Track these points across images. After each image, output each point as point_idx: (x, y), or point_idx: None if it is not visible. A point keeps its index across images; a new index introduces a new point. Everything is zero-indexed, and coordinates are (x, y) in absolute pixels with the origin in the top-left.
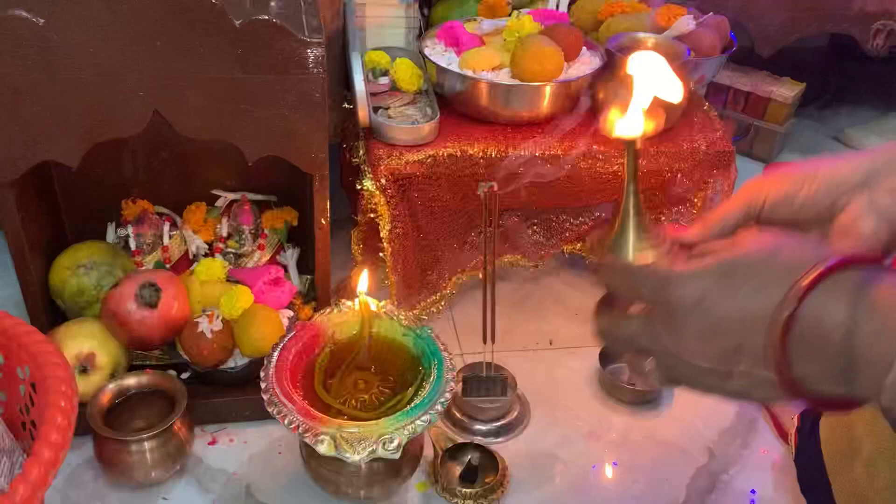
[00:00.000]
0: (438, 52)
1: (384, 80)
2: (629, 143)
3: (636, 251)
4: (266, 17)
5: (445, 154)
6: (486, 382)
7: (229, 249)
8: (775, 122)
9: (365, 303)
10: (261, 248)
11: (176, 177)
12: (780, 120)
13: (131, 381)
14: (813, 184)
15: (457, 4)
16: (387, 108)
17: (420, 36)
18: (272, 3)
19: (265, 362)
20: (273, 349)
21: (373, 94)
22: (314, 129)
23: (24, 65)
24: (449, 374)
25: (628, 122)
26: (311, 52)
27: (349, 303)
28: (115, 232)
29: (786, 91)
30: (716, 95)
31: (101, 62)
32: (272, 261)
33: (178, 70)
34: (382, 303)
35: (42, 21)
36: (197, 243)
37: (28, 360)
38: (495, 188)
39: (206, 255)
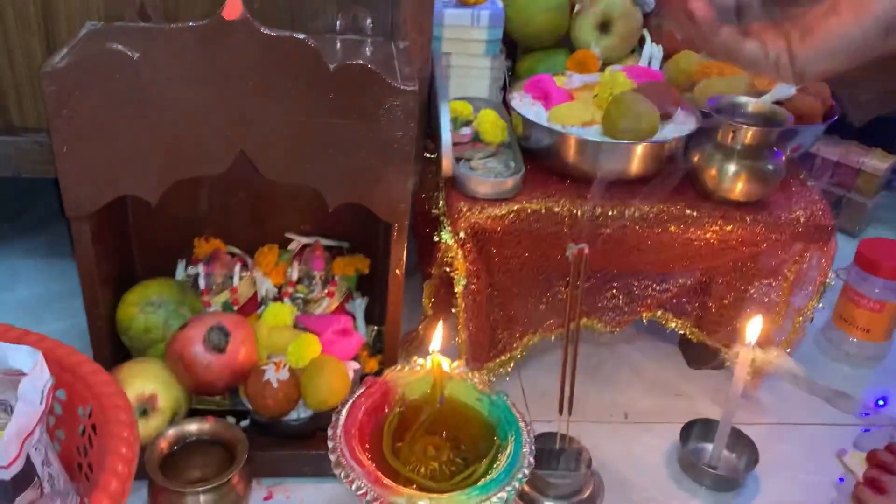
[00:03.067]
0: (526, 105)
1: (466, 131)
2: None
3: None
4: (362, 63)
5: (529, 210)
6: (559, 456)
7: (298, 294)
8: (864, 195)
9: (438, 363)
10: (330, 294)
11: (250, 217)
12: (870, 192)
13: (192, 427)
14: None
15: (544, 57)
16: (468, 160)
17: (504, 88)
18: (365, 49)
19: (333, 419)
20: (342, 406)
21: (454, 144)
22: (399, 179)
23: (114, 99)
24: (527, 448)
25: None
26: (404, 101)
27: (421, 360)
28: (185, 270)
29: (877, 162)
30: (802, 164)
31: (191, 99)
32: (340, 308)
33: (268, 111)
34: (455, 363)
35: (137, 55)
36: (266, 286)
37: (91, 400)
38: (585, 251)
39: (274, 299)
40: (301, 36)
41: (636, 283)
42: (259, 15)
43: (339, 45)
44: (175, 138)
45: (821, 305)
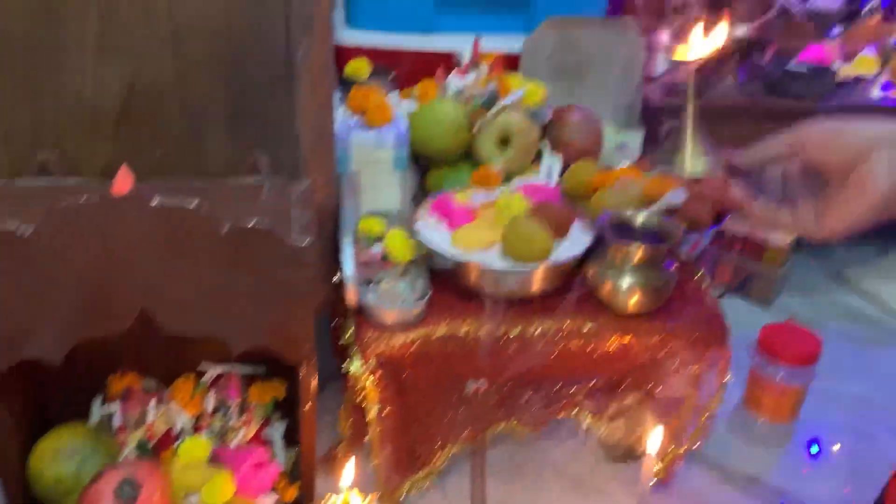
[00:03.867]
0: (431, 227)
1: (377, 249)
2: (690, 67)
3: (692, 163)
4: (253, 223)
5: (435, 336)
6: None
7: (215, 425)
8: (773, 266)
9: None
10: (246, 423)
11: (165, 349)
12: (778, 263)
13: None
14: (847, 135)
15: (449, 172)
16: (378, 282)
17: (415, 197)
18: (263, 194)
19: None
20: None
21: (364, 264)
22: (301, 323)
23: (10, 273)
24: None
25: (689, 48)
26: (300, 254)
27: (334, 497)
28: (101, 408)
29: (782, 235)
30: (712, 240)
31: (89, 267)
32: (258, 436)
33: (165, 273)
34: (367, 499)
35: (29, 232)
36: (182, 420)
37: None
38: (482, 388)
39: (191, 430)
40: (192, 205)
41: (549, 386)
42: (161, 163)
43: (237, 191)
44: (74, 303)
45: (722, 401)
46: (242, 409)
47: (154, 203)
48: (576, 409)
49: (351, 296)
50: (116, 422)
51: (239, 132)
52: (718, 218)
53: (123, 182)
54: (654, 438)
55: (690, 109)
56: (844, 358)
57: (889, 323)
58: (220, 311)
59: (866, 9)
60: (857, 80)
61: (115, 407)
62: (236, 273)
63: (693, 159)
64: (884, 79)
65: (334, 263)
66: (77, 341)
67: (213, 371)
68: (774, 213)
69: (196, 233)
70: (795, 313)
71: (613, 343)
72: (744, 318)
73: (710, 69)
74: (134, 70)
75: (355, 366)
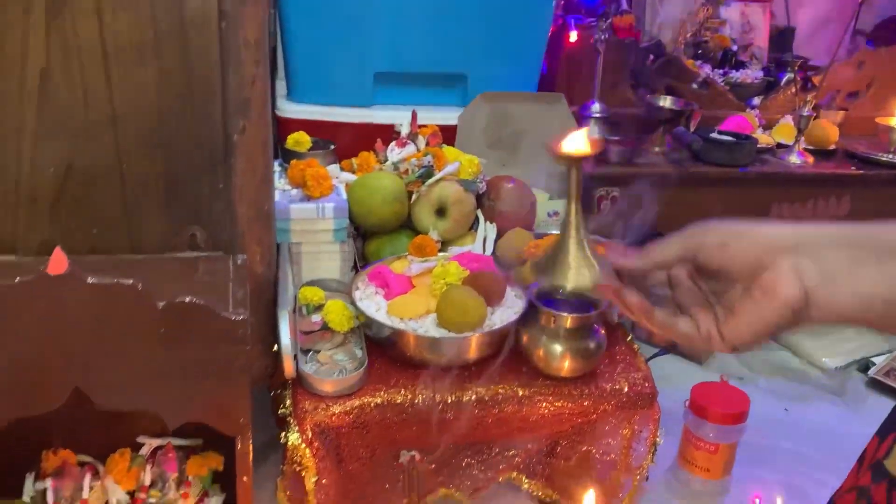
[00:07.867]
0: (369, 295)
1: (316, 318)
2: (573, 161)
3: (576, 277)
4: (189, 299)
5: (372, 404)
6: None
7: (151, 500)
8: None
9: None
10: (185, 496)
11: (101, 423)
12: None
13: None
14: (747, 238)
15: (388, 241)
16: (317, 352)
17: (355, 266)
18: (199, 269)
19: None
20: None
21: (304, 333)
22: (237, 398)
23: None
24: None
25: (573, 142)
26: (235, 328)
27: None
28: (34, 485)
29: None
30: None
31: (23, 346)
32: None
33: (100, 350)
34: None
35: None
36: (118, 496)
37: None
38: (417, 458)
39: None
40: (128, 281)
41: (487, 450)
42: (97, 240)
43: (173, 267)
44: (6, 383)
45: (654, 462)
46: (180, 482)
47: (89, 281)
48: (514, 473)
49: (287, 367)
50: (50, 499)
51: (175, 210)
52: None
53: (58, 264)
54: (587, 501)
55: (572, 210)
56: (774, 413)
57: (814, 376)
58: (155, 387)
59: (784, 80)
60: (777, 147)
61: (49, 483)
62: (172, 348)
63: (577, 271)
64: (801, 146)
65: (273, 334)
66: (9, 420)
67: (149, 444)
68: (674, 323)
69: (132, 309)
70: (727, 369)
71: (547, 407)
72: (679, 375)
73: (638, 139)
74: (71, 152)
75: (293, 437)
